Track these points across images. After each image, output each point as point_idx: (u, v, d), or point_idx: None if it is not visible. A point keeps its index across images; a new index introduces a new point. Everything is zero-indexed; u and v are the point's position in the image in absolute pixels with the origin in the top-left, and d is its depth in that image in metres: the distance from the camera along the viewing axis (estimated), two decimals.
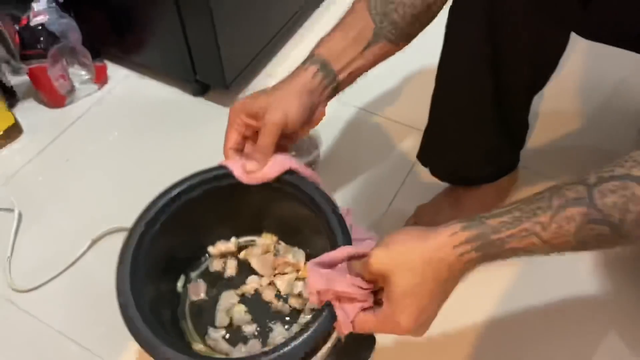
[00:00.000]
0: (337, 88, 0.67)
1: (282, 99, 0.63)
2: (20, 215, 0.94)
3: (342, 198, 0.95)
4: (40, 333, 0.82)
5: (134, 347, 0.79)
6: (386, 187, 0.97)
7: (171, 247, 0.69)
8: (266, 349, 0.63)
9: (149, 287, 0.64)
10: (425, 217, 0.87)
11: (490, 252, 0.49)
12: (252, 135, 0.67)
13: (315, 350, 0.57)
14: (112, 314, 0.82)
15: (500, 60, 0.67)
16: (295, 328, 0.69)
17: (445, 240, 0.50)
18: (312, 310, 0.70)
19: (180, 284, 0.74)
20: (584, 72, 1.12)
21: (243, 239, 0.77)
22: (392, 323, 0.51)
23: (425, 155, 0.85)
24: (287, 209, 0.71)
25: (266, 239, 0.77)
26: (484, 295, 0.82)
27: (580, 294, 0.83)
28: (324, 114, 0.69)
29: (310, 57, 0.66)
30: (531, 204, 0.48)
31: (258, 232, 0.77)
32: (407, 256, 0.51)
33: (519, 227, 0.48)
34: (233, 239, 0.77)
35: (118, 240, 0.91)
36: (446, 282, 0.51)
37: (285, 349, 0.54)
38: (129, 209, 0.94)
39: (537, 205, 0.48)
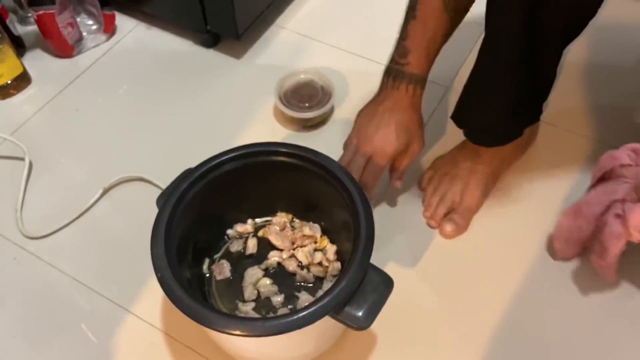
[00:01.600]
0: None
1: (415, 132, 0.74)
2: (30, 164, 0.93)
3: None
4: (52, 278, 0.82)
5: (145, 291, 0.80)
6: None
7: (193, 231, 0.71)
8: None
9: (181, 269, 0.66)
10: (443, 170, 0.86)
11: None
12: None
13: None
14: (125, 260, 0.83)
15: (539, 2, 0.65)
16: (319, 294, 0.72)
17: None
18: (334, 276, 0.75)
19: (205, 267, 0.76)
20: (615, 30, 1.09)
21: (259, 220, 0.80)
22: None
23: (461, 115, 0.83)
24: (302, 185, 0.73)
25: (281, 217, 0.79)
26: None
27: None
28: None
29: (406, 76, 0.72)
30: None
31: (272, 212, 0.80)
32: None
33: None
34: (250, 221, 0.79)
35: (130, 189, 0.92)
36: None
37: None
38: (140, 159, 0.95)
39: None
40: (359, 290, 0.59)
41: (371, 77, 1.04)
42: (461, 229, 0.83)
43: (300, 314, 0.56)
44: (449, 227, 0.82)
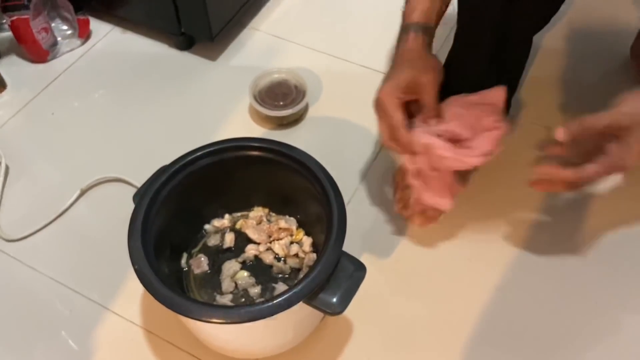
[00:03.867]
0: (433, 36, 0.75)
1: (421, 64, 0.71)
2: (7, 167, 0.94)
3: (330, 146, 0.96)
4: (31, 280, 0.82)
5: (124, 289, 0.81)
6: (374, 135, 0.97)
7: (170, 226, 0.72)
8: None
9: (159, 263, 0.67)
10: None
11: None
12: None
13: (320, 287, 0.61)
14: (103, 259, 0.84)
15: None
16: None
17: None
18: (309, 267, 0.76)
19: (183, 261, 0.77)
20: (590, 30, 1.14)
21: (236, 215, 0.82)
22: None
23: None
24: (277, 180, 0.75)
25: (258, 212, 0.81)
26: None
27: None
28: None
29: (409, 27, 0.73)
30: None
31: (248, 207, 0.82)
32: None
33: None
34: (227, 215, 0.81)
35: (107, 190, 0.93)
36: None
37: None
38: (117, 160, 0.96)
39: None
40: (332, 277, 0.61)
41: (344, 76, 1.07)
42: (431, 219, 0.85)
43: (276, 301, 0.58)
44: (420, 219, 0.84)
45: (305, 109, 1.01)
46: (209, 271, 0.76)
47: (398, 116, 0.69)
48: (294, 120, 1.00)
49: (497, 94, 0.77)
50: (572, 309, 0.79)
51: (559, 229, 0.86)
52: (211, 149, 0.72)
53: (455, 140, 0.73)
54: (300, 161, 0.70)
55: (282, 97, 0.99)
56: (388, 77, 0.72)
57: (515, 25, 0.70)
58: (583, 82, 1.04)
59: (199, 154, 0.72)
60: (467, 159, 0.72)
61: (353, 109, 1.01)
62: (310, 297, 0.60)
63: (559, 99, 1.02)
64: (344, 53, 1.11)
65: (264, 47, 1.13)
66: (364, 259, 0.81)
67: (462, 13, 0.73)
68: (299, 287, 0.59)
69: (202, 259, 0.76)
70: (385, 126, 0.71)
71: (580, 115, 0.88)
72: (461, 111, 0.75)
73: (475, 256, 0.84)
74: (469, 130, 0.73)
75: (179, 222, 0.74)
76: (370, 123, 0.99)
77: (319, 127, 1.00)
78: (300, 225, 0.79)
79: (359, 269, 0.62)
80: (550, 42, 1.10)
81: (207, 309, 0.58)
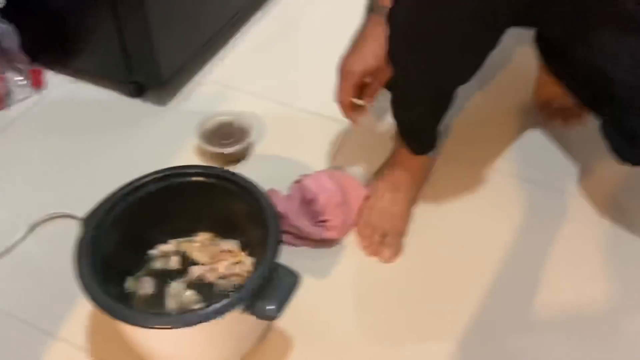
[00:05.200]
0: None
1: (382, 57, 0.78)
2: None
3: (274, 184, 1.00)
4: None
5: (73, 319, 0.82)
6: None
7: (116, 251, 0.75)
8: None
9: (106, 285, 0.69)
10: (368, 203, 0.95)
11: None
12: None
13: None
14: (52, 292, 0.86)
15: None
16: None
17: None
18: None
19: (129, 284, 0.79)
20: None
21: (181, 240, 0.85)
22: None
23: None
24: (220, 205, 0.79)
25: (203, 236, 0.85)
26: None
27: None
28: None
29: (379, 9, 0.78)
30: None
31: (193, 233, 0.85)
32: None
33: None
34: (172, 241, 0.84)
35: (56, 226, 0.95)
36: None
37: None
38: (67, 198, 0.98)
39: None
40: (269, 285, 0.65)
41: (289, 120, 1.14)
42: (397, 251, 0.91)
43: (214, 306, 0.61)
44: (387, 252, 0.90)
45: (248, 148, 1.07)
46: (154, 292, 0.79)
47: (349, 90, 0.81)
48: (239, 158, 1.05)
49: (362, 192, 0.96)
50: (575, 310, 0.84)
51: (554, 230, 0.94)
52: (156, 175, 0.77)
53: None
54: (240, 184, 0.75)
55: (227, 136, 1.05)
56: (356, 49, 0.80)
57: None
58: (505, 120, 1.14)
59: (145, 180, 0.76)
60: (295, 241, 0.92)
61: (296, 149, 1.08)
62: (248, 303, 0.63)
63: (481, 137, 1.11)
64: (290, 99, 1.18)
65: (214, 93, 1.20)
66: (306, 273, 0.86)
67: None
68: (237, 294, 0.63)
69: (148, 281, 0.79)
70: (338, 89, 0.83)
71: None
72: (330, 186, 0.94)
73: (425, 284, 0.89)
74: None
75: (125, 246, 0.77)
76: (311, 161, 1.05)
77: (265, 164, 1.05)
78: (244, 247, 0.83)
79: (293, 278, 0.67)
80: None
81: (149, 317, 0.62)
